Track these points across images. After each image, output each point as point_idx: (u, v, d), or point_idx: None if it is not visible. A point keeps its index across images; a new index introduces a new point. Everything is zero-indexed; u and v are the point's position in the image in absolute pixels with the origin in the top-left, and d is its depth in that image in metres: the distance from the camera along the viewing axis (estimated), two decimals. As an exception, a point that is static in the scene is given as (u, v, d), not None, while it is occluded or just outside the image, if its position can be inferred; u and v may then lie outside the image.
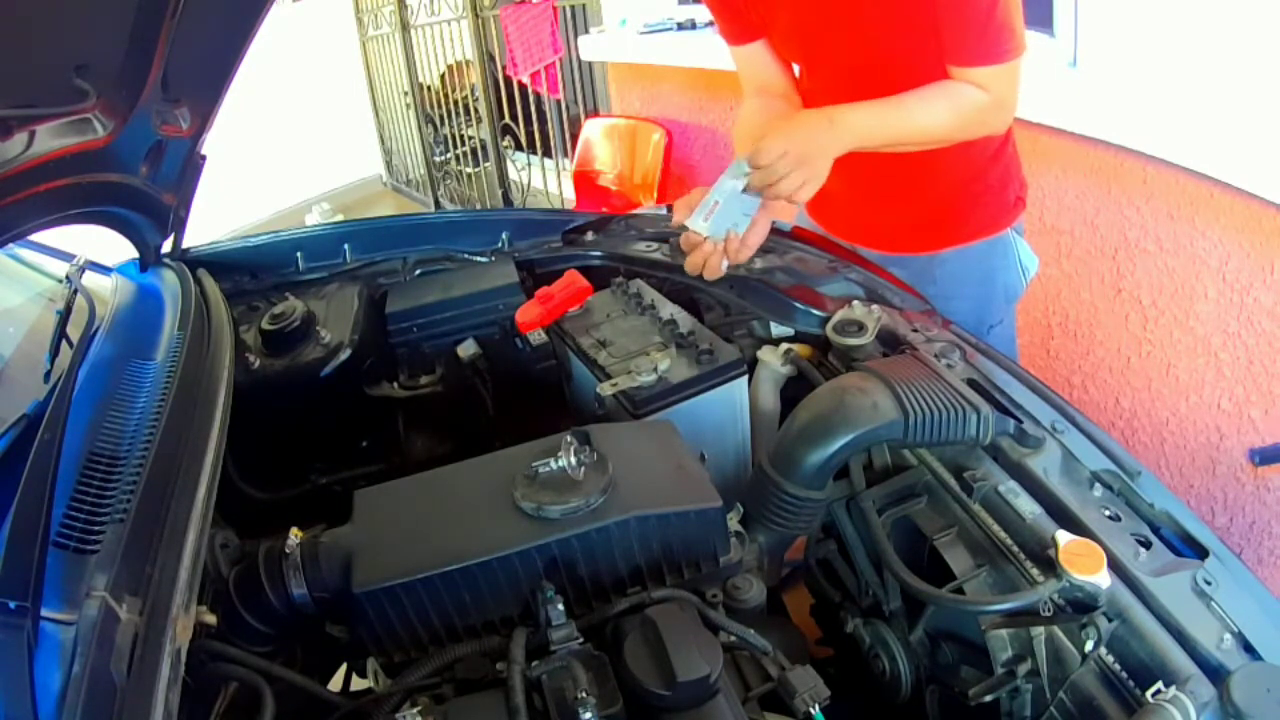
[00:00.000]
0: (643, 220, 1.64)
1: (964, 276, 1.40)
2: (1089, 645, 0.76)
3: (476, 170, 5.00)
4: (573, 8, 3.77)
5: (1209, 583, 0.76)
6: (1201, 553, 0.81)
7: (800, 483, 0.95)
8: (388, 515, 0.91)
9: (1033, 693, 0.85)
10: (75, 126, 1.07)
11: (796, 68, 1.41)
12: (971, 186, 1.24)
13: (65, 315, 1.14)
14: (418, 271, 1.59)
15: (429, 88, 5.20)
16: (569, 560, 0.85)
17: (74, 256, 1.36)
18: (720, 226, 1.17)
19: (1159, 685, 0.69)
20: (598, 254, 1.54)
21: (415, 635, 0.85)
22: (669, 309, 1.29)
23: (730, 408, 1.18)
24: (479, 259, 1.61)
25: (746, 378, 1.19)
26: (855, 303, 1.21)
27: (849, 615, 1.09)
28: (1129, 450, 0.93)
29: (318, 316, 1.41)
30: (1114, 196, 1.86)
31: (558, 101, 4.09)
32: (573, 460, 0.86)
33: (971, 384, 1.00)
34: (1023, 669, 0.83)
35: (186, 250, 1.56)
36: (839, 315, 1.19)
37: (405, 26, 5.08)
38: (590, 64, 3.95)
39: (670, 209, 1.31)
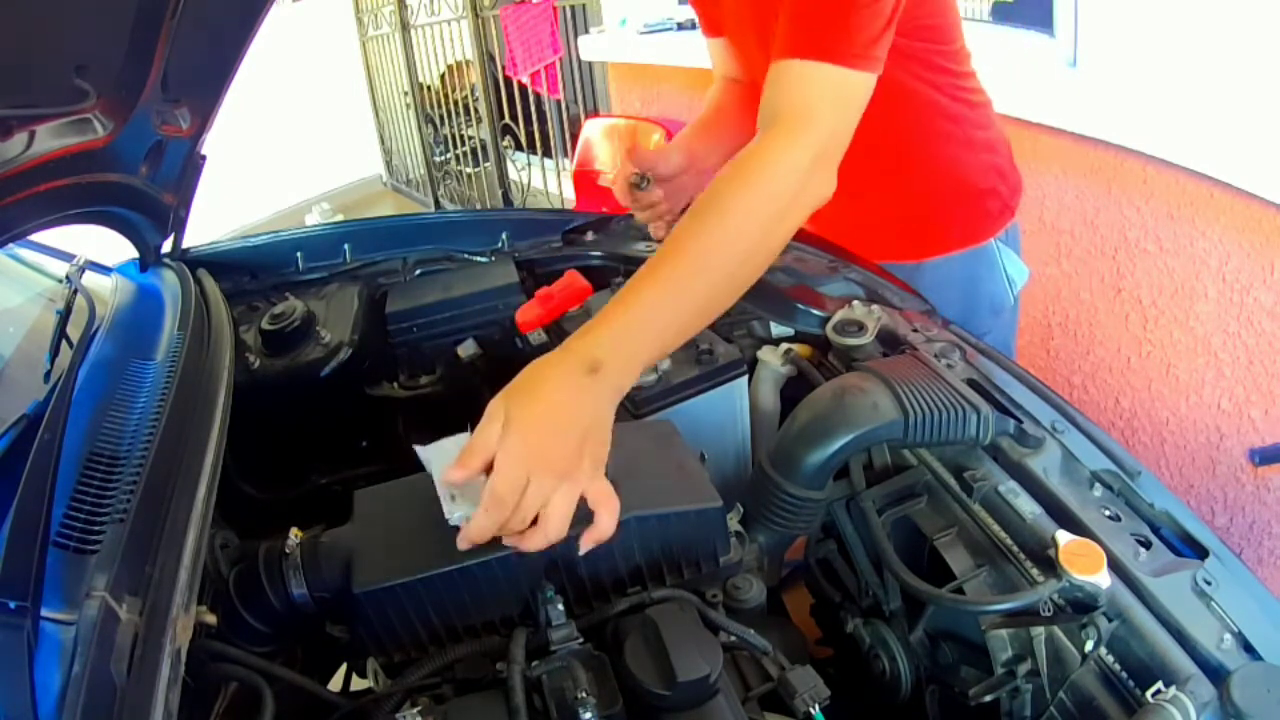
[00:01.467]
0: (643, 220, 1.64)
1: (946, 286, 1.37)
2: (1089, 645, 0.76)
3: (476, 170, 5.00)
4: (573, 8, 3.77)
5: (1209, 583, 0.76)
6: (1201, 553, 0.81)
7: (800, 483, 0.95)
8: (388, 515, 0.90)
9: (1033, 693, 0.85)
10: (75, 126, 1.07)
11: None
12: (950, 193, 1.20)
13: (65, 315, 1.14)
14: (418, 271, 1.59)
15: (429, 88, 5.21)
16: (569, 560, 0.85)
17: (74, 256, 1.36)
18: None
19: (1159, 685, 0.69)
20: (598, 254, 1.54)
21: (415, 635, 0.85)
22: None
23: (730, 408, 1.18)
24: (479, 259, 1.61)
25: (746, 378, 1.19)
26: (855, 303, 1.21)
27: (849, 615, 1.09)
28: (1129, 450, 0.93)
29: (318, 316, 1.41)
30: (1114, 196, 1.86)
31: (558, 101, 4.09)
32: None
33: (971, 384, 1.00)
34: (1023, 669, 0.83)
35: (186, 250, 1.56)
36: (839, 315, 1.19)
37: (405, 26, 5.08)
38: (590, 64, 3.95)
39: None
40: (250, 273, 1.60)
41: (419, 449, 0.85)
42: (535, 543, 0.74)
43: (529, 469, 0.71)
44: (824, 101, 0.89)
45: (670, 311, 0.81)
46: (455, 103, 4.93)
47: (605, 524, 0.76)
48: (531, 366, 0.77)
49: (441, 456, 0.83)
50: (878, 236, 1.40)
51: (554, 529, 0.73)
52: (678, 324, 0.82)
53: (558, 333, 1.30)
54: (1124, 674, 0.74)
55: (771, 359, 1.22)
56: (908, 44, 1.15)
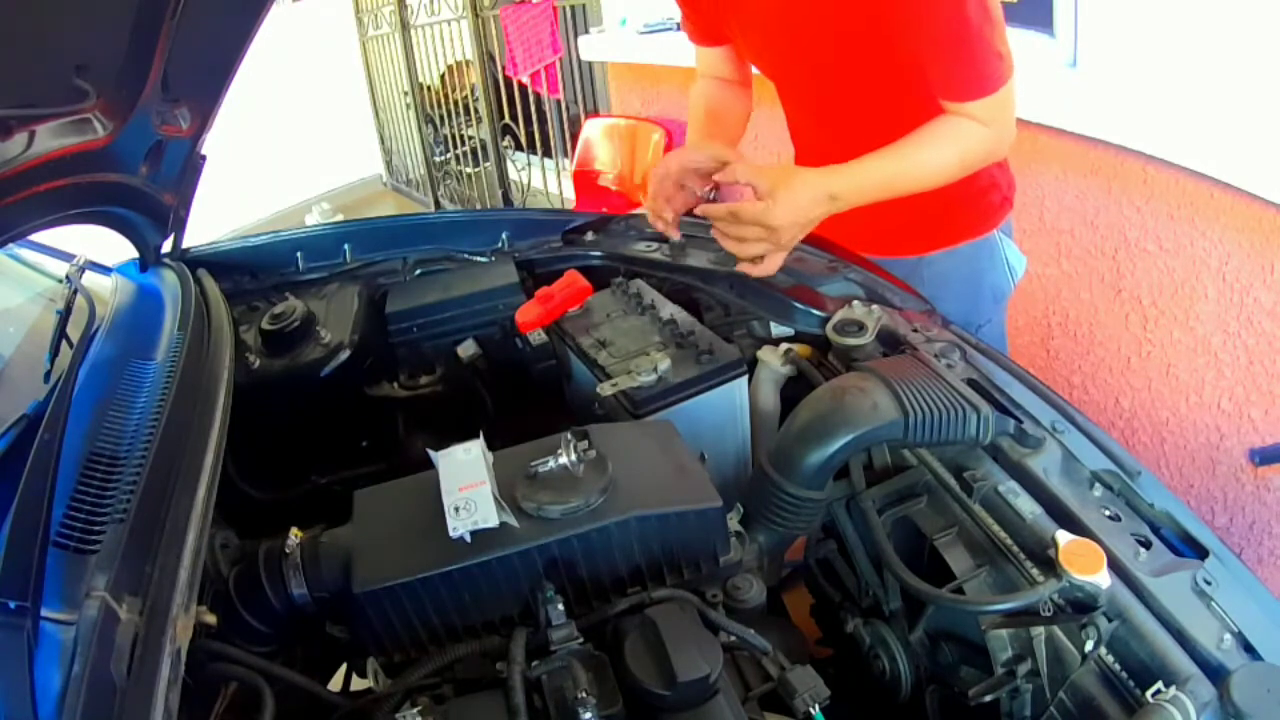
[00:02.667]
0: (643, 220, 1.64)
1: (951, 278, 1.40)
2: (1089, 645, 0.77)
3: (476, 170, 5.00)
4: (573, 8, 3.77)
5: (1209, 583, 0.76)
6: (1201, 553, 0.81)
7: (800, 483, 0.95)
8: (388, 515, 0.91)
9: (1033, 693, 0.85)
10: (75, 126, 1.07)
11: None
12: (956, 190, 1.23)
13: (65, 315, 1.14)
14: (418, 271, 1.59)
15: (429, 88, 5.20)
16: (569, 560, 0.85)
17: (74, 256, 1.36)
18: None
19: (1159, 685, 0.69)
20: (598, 254, 1.54)
21: (415, 635, 0.85)
22: (669, 309, 1.29)
23: (730, 408, 1.18)
24: (479, 259, 1.61)
25: (746, 378, 1.19)
26: (855, 303, 1.21)
27: (849, 615, 1.09)
28: (1129, 450, 0.93)
29: (318, 316, 1.41)
30: (1114, 196, 1.86)
31: (558, 101, 4.09)
32: (573, 457, 0.86)
33: (971, 384, 1.00)
34: (1023, 669, 0.83)
35: (186, 250, 1.56)
36: (839, 315, 1.19)
37: (405, 26, 5.08)
38: (590, 64, 3.95)
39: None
40: (250, 273, 1.60)
41: (433, 453, 0.86)
42: (756, 272, 1.18)
43: (772, 237, 1.12)
44: (1010, 117, 1.17)
45: (886, 185, 1.16)
46: (455, 103, 4.93)
47: (771, 266, 1.18)
48: (797, 178, 1.13)
49: (452, 466, 0.84)
50: (887, 232, 1.42)
51: (768, 269, 1.18)
52: (888, 194, 1.17)
53: (558, 333, 1.30)
54: (1124, 674, 0.74)
55: (771, 359, 1.22)
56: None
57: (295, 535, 0.91)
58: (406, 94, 5.41)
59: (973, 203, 1.38)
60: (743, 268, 1.19)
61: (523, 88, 4.17)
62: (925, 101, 1.16)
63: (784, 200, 1.10)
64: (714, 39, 1.43)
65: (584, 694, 0.71)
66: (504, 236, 1.63)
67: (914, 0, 1.08)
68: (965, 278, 1.42)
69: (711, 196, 1.24)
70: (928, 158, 1.15)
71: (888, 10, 1.10)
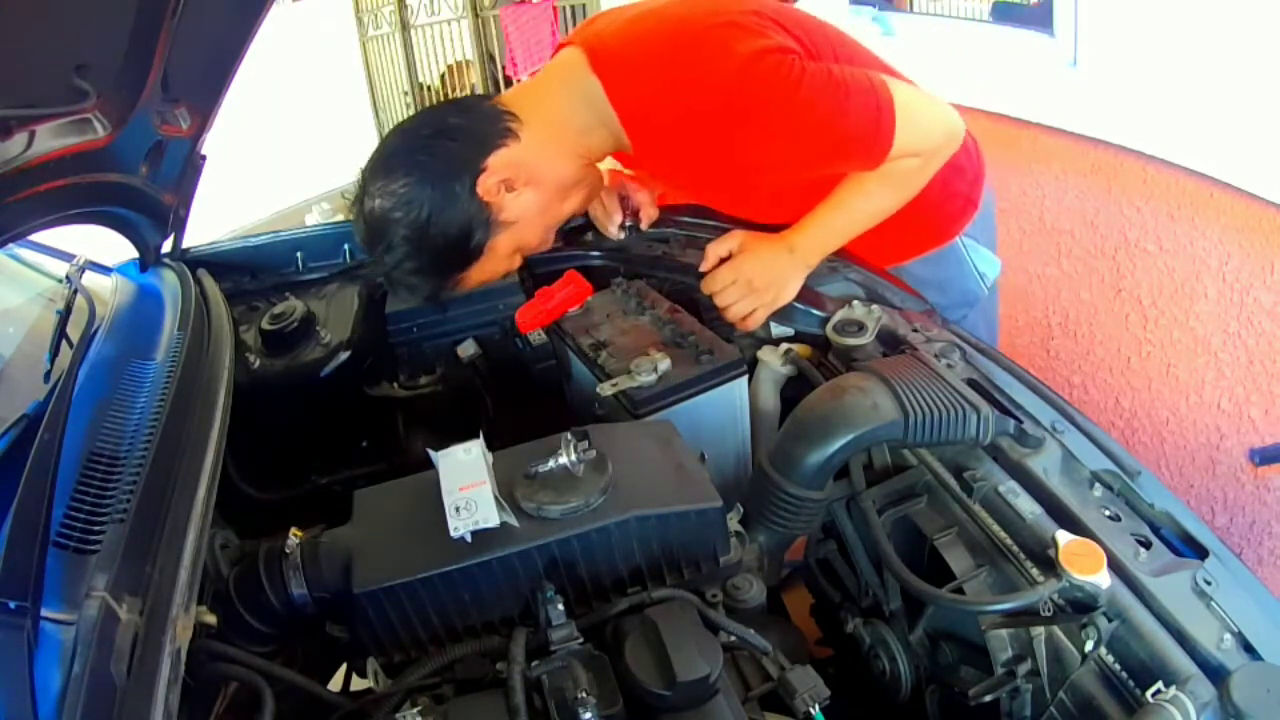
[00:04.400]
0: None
1: (920, 286, 1.38)
2: (1089, 645, 0.77)
3: (476, 170, 4.99)
4: (573, 8, 3.78)
5: (1209, 583, 0.77)
6: (1201, 553, 0.81)
7: (800, 483, 0.95)
8: (388, 515, 0.91)
9: (1033, 693, 0.85)
10: (75, 126, 1.07)
11: None
12: (907, 207, 1.24)
13: (65, 315, 1.14)
14: (418, 271, 1.59)
15: (429, 88, 5.21)
16: (569, 560, 0.85)
17: (74, 256, 1.36)
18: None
19: (1159, 685, 0.69)
20: (598, 254, 1.54)
21: (415, 635, 0.85)
22: (669, 309, 1.29)
23: (730, 408, 1.18)
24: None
25: (746, 378, 1.19)
26: (855, 303, 1.21)
27: (849, 615, 1.09)
28: (1129, 450, 0.93)
29: (318, 316, 1.41)
30: (1114, 196, 1.86)
31: (558, 101, 4.08)
32: (573, 457, 0.86)
33: (971, 384, 1.00)
34: (1023, 669, 0.83)
35: (186, 250, 1.56)
36: (839, 315, 1.19)
37: (405, 26, 5.08)
38: (590, 64, 3.94)
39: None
40: (250, 273, 1.60)
41: (433, 453, 0.86)
42: (748, 326, 1.24)
43: (733, 276, 1.21)
44: (929, 132, 1.16)
45: (842, 233, 1.24)
46: (455, 103, 4.93)
47: (753, 321, 1.24)
48: (760, 240, 1.24)
49: (452, 466, 0.84)
50: (852, 247, 1.41)
51: (753, 323, 1.23)
52: (839, 241, 1.25)
53: (558, 333, 1.30)
54: (1124, 674, 0.74)
55: (771, 359, 1.22)
56: None
57: (295, 535, 0.91)
58: (406, 94, 5.41)
59: (928, 215, 1.36)
60: (737, 325, 1.26)
61: (523, 87, 4.17)
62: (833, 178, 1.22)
63: (736, 260, 1.23)
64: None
65: (584, 694, 0.71)
66: (504, 236, 1.62)
67: (773, 143, 1.09)
68: (934, 285, 1.40)
69: (628, 225, 1.45)
70: (872, 206, 1.21)
71: (766, 160, 1.13)
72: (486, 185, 1.07)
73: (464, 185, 1.07)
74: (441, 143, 1.07)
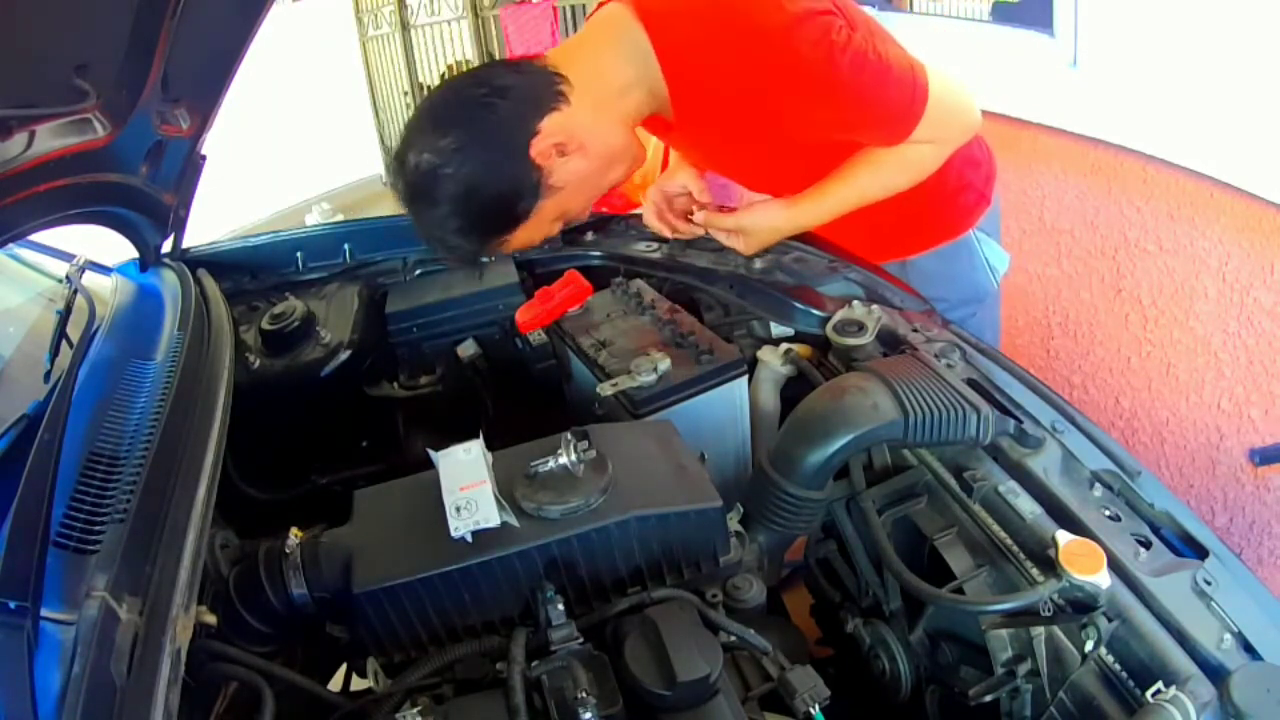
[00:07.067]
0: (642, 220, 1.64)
1: (932, 278, 1.40)
2: (1089, 645, 0.77)
3: (476, 170, 4.99)
4: (573, 8, 3.77)
5: (1209, 583, 0.76)
6: (1201, 553, 0.81)
7: (800, 483, 0.95)
8: (388, 515, 0.90)
9: (1033, 693, 0.85)
10: (75, 126, 1.07)
11: None
12: (928, 197, 1.25)
13: (65, 315, 1.15)
14: (418, 271, 1.59)
15: (429, 88, 5.20)
16: (569, 560, 0.85)
17: (74, 256, 1.36)
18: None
19: (1159, 685, 0.69)
20: (598, 254, 1.54)
21: (415, 635, 0.85)
22: (669, 309, 1.29)
23: (730, 408, 1.18)
24: (479, 259, 1.61)
25: (746, 378, 1.19)
26: (855, 303, 1.21)
27: (849, 615, 1.09)
28: (1129, 450, 0.93)
29: (318, 316, 1.41)
30: (1114, 196, 1.86)
31: (558, 101, 4.08)
32: (573, 457, 0.86)
33: (971, 384, 1.00)
34: (1023, 669, 0.83)
35: (186, 250, 1.56)
36: (839, 315, 1.19)
37: (405, 26, 5.08)
38: (590, 64, 3.94)
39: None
40: (250, 273, 1.60)
41: (433, 453, 0.85)
42: (737, 246, 1.34)
43: (735, 224, 1.30)
44: (946, 123, 1.19)
45: (845, 204, 1.26)
46: (455, 103, 4.93)
47: (741, 247, 1.34)
48: (758, 204, 1.32)
49: (453, 466, 0.84)
50: (863, 240, 1.42)
51: (743, 249, 1.33)
52: (840, 212, 1.27)
53: (558, 333, 1.30)
54: (1124, 674, 0.74)
55: (771, 359, 1.22)
56: None
57: (295, 535, 0.91)
58: (406, 94, 5.40)
59: (944, 206, 1.37)
60: (723, 239, 1.35)
61: (523, 88, 4.17)
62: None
63: (744, 212, 1.32)
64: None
65: (584, 694, 0.71)
66: (504, 236, 1.62)
67: (809, 102, 1.10)
68: (946, 278, 1.42)
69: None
70: (879, 183, 1.24)
71: (797, 119, 1.14)
72: (540, 148, 1.05)
73: (518, 147, 1.05)
74: (495, 101, 1.04)
